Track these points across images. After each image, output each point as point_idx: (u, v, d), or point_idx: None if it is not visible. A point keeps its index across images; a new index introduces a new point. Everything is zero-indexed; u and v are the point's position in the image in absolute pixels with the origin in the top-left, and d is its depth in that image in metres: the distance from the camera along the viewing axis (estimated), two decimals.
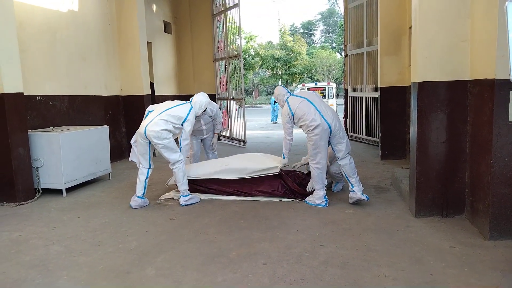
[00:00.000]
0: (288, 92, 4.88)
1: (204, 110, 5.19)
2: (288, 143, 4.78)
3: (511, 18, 2.18)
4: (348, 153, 4.62)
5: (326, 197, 4.61)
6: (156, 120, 4.68)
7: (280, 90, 4.92)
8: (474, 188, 3.77)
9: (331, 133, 4.53)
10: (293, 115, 4.64)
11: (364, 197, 4.50)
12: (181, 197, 4.80)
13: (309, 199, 4.71)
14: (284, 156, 4.90)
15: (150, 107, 5.18)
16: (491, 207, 3.39)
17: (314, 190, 4.67)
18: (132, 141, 4.98)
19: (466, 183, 3.92)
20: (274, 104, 18.37)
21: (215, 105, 5.72)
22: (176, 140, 4.94)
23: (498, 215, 3.38)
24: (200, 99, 5.04)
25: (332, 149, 4.68)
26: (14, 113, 4.95)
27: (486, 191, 3.45)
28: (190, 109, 4.87)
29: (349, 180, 4.57)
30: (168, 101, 5.11)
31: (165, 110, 4.79)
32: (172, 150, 4.73)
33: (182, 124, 4.78)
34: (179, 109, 4.85)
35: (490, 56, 3.34)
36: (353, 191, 4.54)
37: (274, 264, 3.12)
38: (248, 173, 4.99)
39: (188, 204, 4.76)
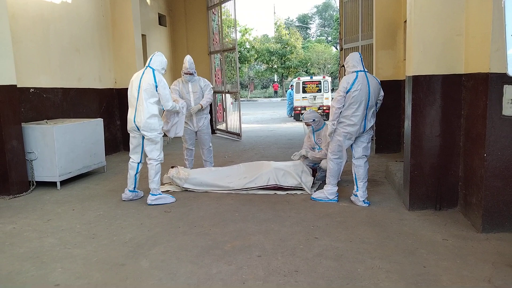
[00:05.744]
0: (362, 64, 4.30)
1: (192, 74, 5.42)
2: (335, 112, 4.28)
3: (508, 14, 2.17)
4: (364, 155, 4.44)
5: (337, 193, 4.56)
6: (140, 108, 4.49)
7: (353, 56, 4.35)
8: (467, 182, 3.80)
9: (363, 132, 4.37)
10: (349, 90, 4.20)
11: (365, 205, 4.35)
12: (150, 195, 4.62)
13: (318, 195, 4.58)
14: (329, 125, 4.44)
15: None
16: (484, 200, 3.42)
17: (325, 185, 4.58)
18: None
19: (460, 177, 3.95)
20: (290, 96, 17.53)
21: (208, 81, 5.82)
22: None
23: (491, 208, 3.42)
24: (160, 59, 4.65)
25: (351, 146, 4.49)
26: (8, 106, 4.91)
27: (479, 184, 3.48)
28: (153, 72, 4.54)
29: (356, 182, 4.42)
30: (132, 80, 4.67)
31: (138, 93, 4.50)
32: (155, 147, 4.60)
33: (157, 91, 4.49)
34: (145, 80, 4.48)
35: (484, 50, 3.35)
36: (356, 195, 4.42)
37: (269, 256, 3.14)
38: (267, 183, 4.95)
39: (156, 204, 4.55)
